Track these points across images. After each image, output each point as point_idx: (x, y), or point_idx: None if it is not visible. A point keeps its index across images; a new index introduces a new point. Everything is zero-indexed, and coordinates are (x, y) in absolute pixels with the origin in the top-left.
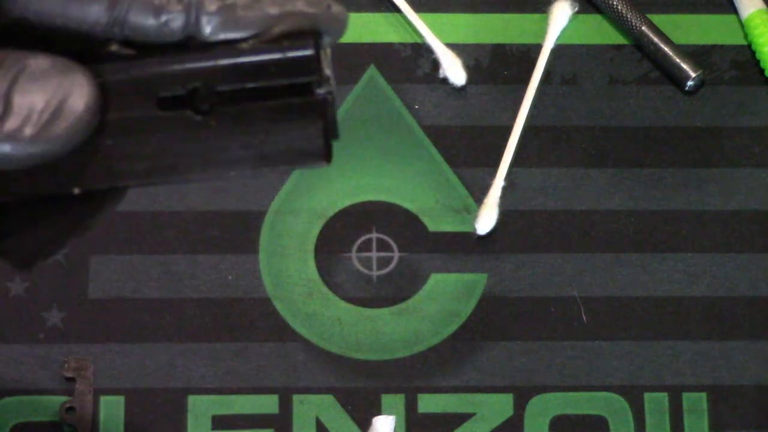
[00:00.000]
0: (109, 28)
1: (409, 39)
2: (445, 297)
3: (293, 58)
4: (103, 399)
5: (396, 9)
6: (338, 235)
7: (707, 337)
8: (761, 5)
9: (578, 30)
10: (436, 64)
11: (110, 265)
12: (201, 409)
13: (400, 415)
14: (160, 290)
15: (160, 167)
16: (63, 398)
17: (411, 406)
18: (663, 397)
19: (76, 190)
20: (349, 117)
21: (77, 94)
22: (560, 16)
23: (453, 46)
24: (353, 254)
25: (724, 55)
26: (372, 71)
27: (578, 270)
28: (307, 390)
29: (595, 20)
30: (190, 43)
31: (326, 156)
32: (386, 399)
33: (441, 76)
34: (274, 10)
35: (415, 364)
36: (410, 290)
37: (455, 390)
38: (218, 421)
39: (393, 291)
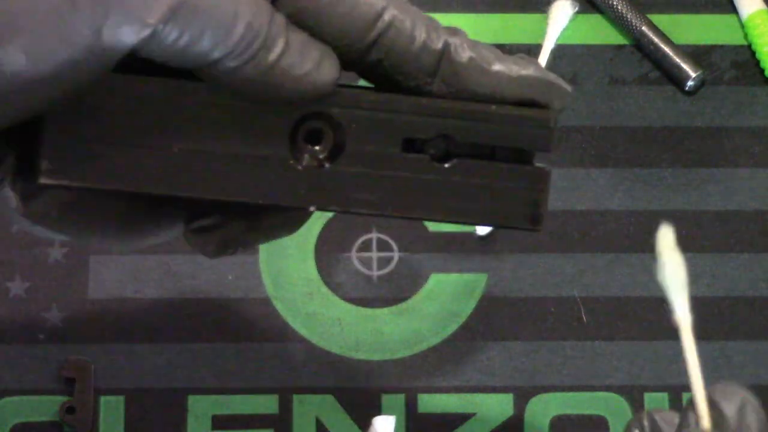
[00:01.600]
0: (368, 48)
1: None
2: (445, 297)
3: (532, 129)
4: (103, 399)
5: None
6: (338, 235)
7: (707, 337)
8: (761, 5)
9: (578, 30)
10: None
11: (110, 265)
12: (201, 409)
13: (400, 415)
14: (160, 290)
15: (392, 203)
16: (63, 398)
17: (411, 406)
18: (663, 397)
19: (312, 208)
20: None
21: (332, 60)
22: (560, 16)
23: None
24: (353, 254)
25: (724, 55)
26: None
27: (578, 270)
28: (307, 390)
29: (595, 20)
30: (433, 90)
31: (540, 224)
32: (386, 399)
33: None
34: (520, 72)
35: (415, 364)
36: (410, 290)
37: (455, 390)
38: (218, 421)
39: (393, 291)
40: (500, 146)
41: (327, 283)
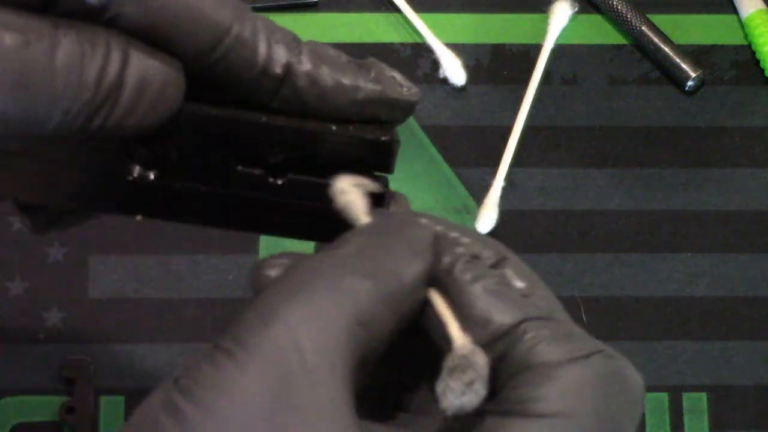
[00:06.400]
0: (210, 67)
1: (409, 39)
2: None
3: (372, 151)
4: (103, 399)
5: (396, 9)
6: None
7: (707, 337)
8: (761, 5)
9: (578, 30)
10: (436, 64)
11: (110, 265)
12: None
13: None
14: (160, 290)
15: (222, 217)
16: (63, 398)
17: None
18: (663, 397)
19: (138, 217)
20: None
21: (173, 91)
22: (560, 16)
23: (453, 46)
24: None
25: (724, 55)
26: None
27: (578, 270)
28: None
29: (595, 20)
30: (273, 107)
31: None
32: None
33: (441, 76)
34: (359, 92)
35: None
36: None
37: None
38: None
39: None
40: (338, 164)
41: None
